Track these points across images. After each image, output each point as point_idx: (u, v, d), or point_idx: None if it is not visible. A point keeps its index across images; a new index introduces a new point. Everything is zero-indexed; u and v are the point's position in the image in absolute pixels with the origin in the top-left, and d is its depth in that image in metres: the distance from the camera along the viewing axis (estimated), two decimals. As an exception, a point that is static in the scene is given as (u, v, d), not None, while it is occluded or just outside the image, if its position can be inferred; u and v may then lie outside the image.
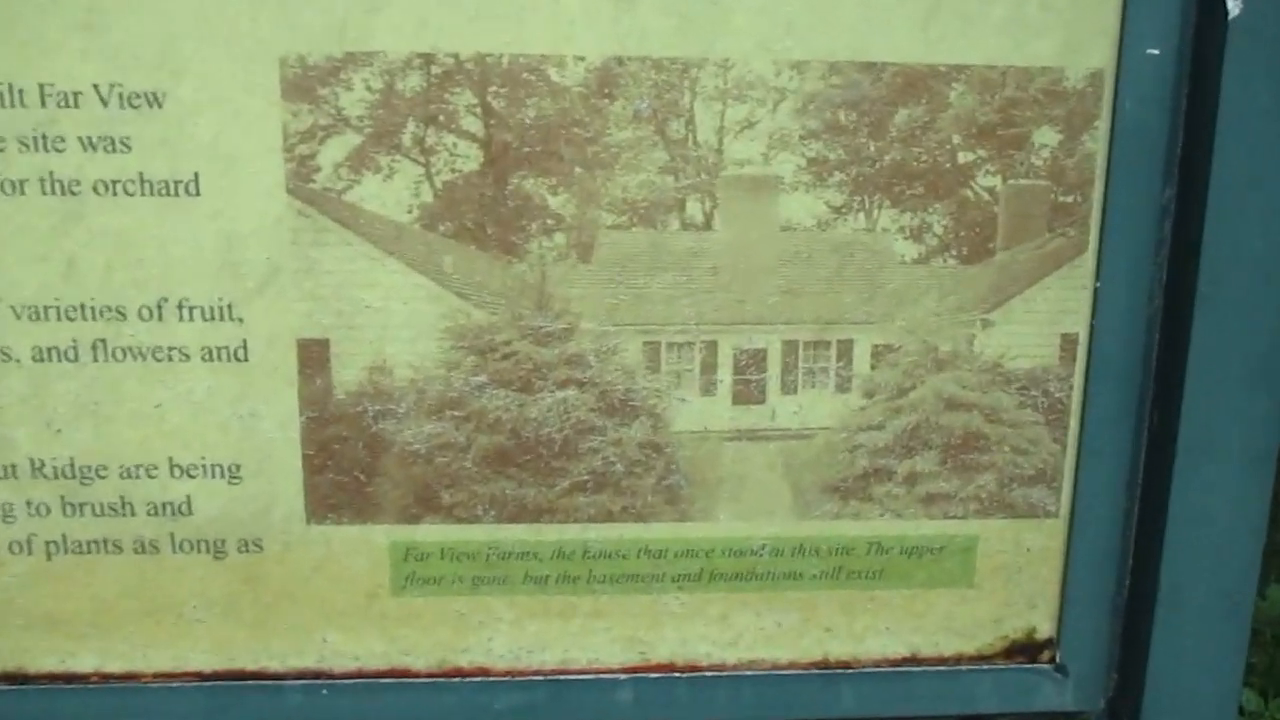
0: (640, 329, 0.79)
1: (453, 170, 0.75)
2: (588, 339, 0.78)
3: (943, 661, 0.84)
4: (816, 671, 0.84)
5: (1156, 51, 0.75)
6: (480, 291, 0.77)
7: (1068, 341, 0.80)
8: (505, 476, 0.80)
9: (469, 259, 0.77)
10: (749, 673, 0.84)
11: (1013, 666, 0.84)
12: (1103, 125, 0.77)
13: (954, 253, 0.79)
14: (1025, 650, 0.85)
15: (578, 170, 0.76)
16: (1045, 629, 0.84)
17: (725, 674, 0.84)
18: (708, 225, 0.77)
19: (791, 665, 0.84)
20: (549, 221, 0.77)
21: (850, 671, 0.84)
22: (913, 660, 0.84)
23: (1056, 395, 0.81)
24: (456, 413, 0.79)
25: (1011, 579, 0.83)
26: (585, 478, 0.81)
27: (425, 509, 0.80)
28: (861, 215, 0.78)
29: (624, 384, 0.79)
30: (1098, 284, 0.78)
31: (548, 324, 0.78)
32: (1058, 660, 0.84)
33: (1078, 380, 0.80)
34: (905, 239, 0.78)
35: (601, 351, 0.79)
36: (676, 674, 0.84)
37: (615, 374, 0.79)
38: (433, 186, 0.76)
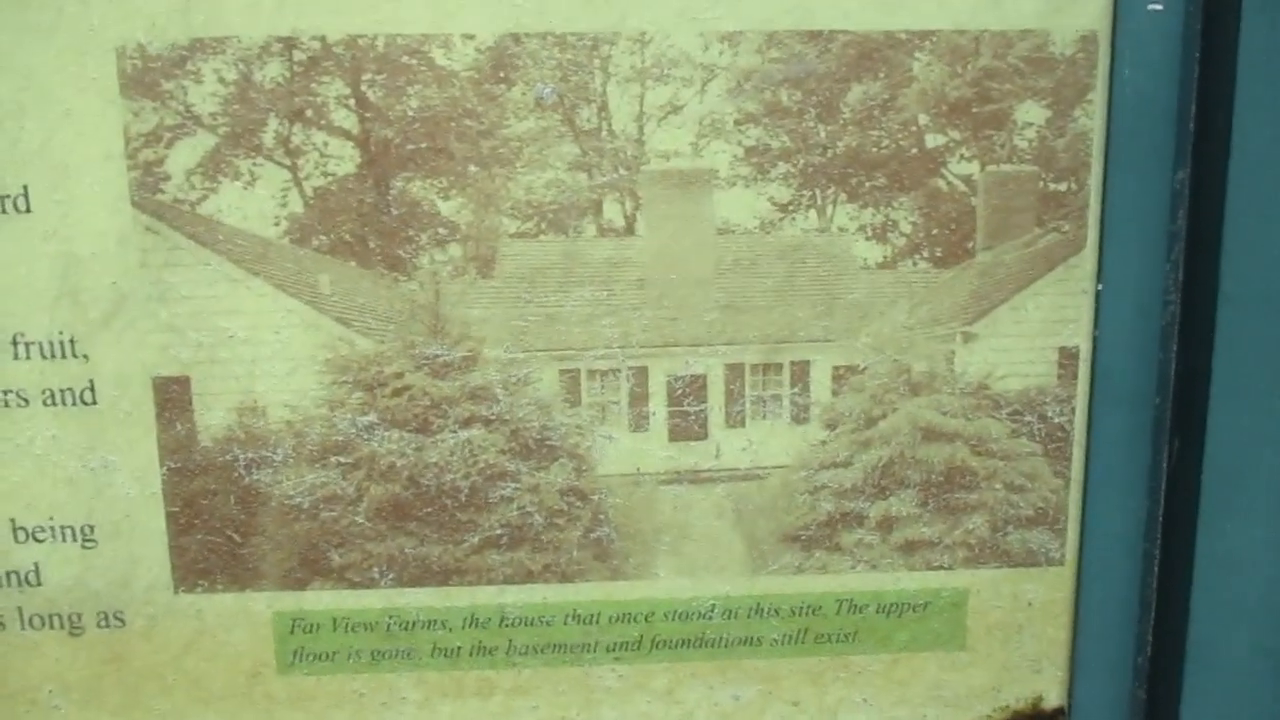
0: (555, 355, 0.67)
1: (325, 174, 0.64)
2: (493, 368, 0.67)
3: (932, 738, 0.72)
4: (783, 753, 0.72)
5: (1159, 6, 0.64)
6: (364, 316, 0.66)
7: (1066, 356, 0.68)
8: (404, 532, 0.68)
9: (349, 278, 0.65)
10: (702, 756, 0.72)
11: (1016, 742, 0.72)
12: (1098, 98, 0.65)
13: (926, 254, 0.67)
14: None
15: (472, 169, 0.64)
16: (1053, 697, 0.73)
17: (674, 758, 0.72)
18: (630, 230, 0.66)
19: (753, 746, 0.72)
20: (441, 231, 0.65)
21: (822, 752, 0.72)
22: (897, 737, 0.72)
23: (1056, 421, 0.69)
24: (343, 459, 0.67)
25: (1011, 639, 0.72)
26: (498, 532, 0.69)
27: (312, 572, 0.69)
28: (813, 213, 0.66)
29: (539, 420, 0.67)
30: (1100, 287, 0.68)
31: (445, 352, 0.66)
32: (1069, 734, 0.72)
33: (1080, 402, 0.69)
34: (867, 239, 0.66)
35: (510, 383, 0.67)
36: (617, 759, 0.72)
37: (528, 409, 0.67)
38: (302, 194, 0.64)
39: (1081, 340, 0.68)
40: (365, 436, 0.67)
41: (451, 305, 0.66)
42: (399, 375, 0.67)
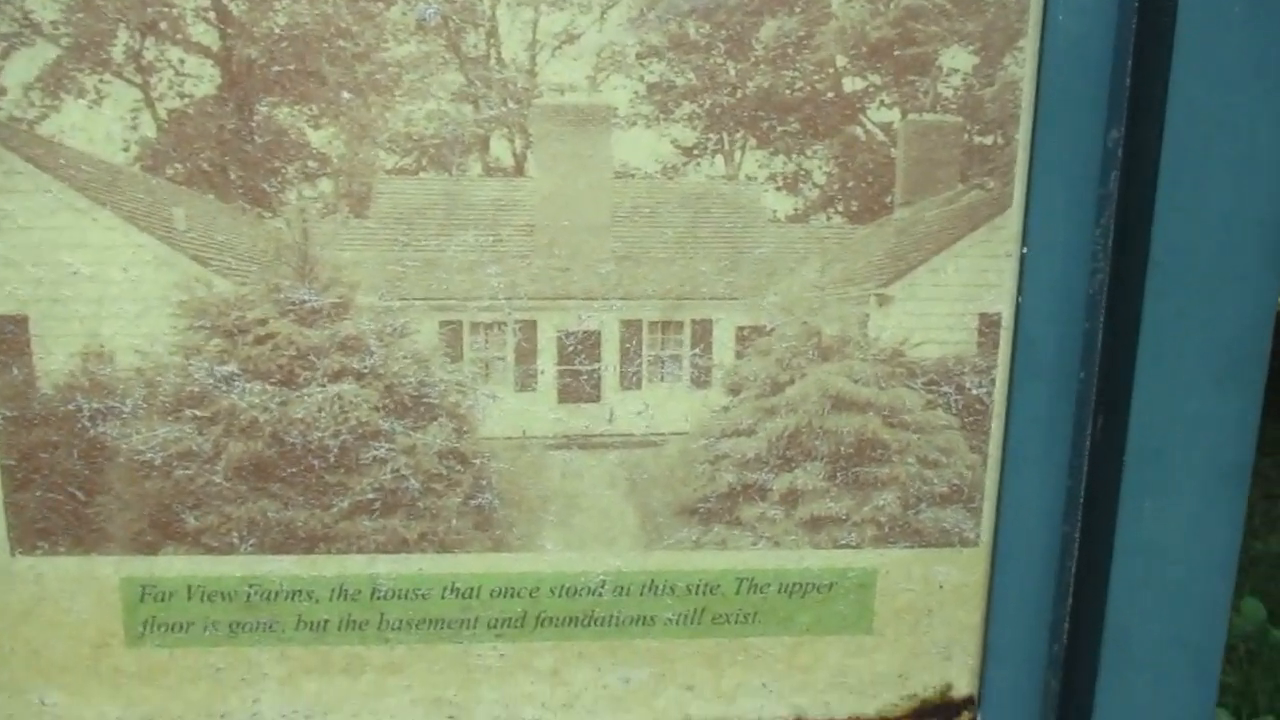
0: (435, 305, 0.61)
1: (181, 95, 0.58)
2: (367, 317, 0.61)
3: (835, 726, 0.68)
4: (675, 740, 0.67)
5: (1096, -54, 0.59)
6: (224, 255, 0.60)
7: (987, 324, 0.64)
8: (266, 494, 0.63)
9: (208, 212, 0.59)
10: (589, 742, 0.67)
11: (922, 732, 0.68)
12: (1029, 44, 0.60)
13: (840, 208, 0.62)
14: (938, 712, 0.70)
15: (345, 96, 0.58)
16: (963, 685, 0.70)
17: (558, 744, 0.67)
18: (519, 169, 0.60)
19: (643, 732, 0.68)
20: (310, 164, 0.59)
21: (717, 740, 0.67)
22: (797, 725, 0.68)
23: (974, 392, 0.64)
24: (199, 412, 0.61)
25: (920, 623, 0.68)
26: (370, 496, 0.63)
27: (165, 536, 0.63)
28: (720, 158, 0.61)
29: (416, 376, 0.62)
30: (1025, 250, 0.64)
31: (314, 298, 0.60)
32: (979, 724, 0.69)
33: (1001, 373, 0.65)
34: (777, 190, 0.61)
35: (385, 333, 0.61)
36: (497, 744, 0.67)
37: (404, 363, 0.62)
38: (155, 117, 0.58)
39: (1004, 307, 0.64)
40: (224, 388, 0.61)
41: (321, 246, 0.60)
42: (262, 321, 0.61)
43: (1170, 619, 0.67)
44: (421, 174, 0.60)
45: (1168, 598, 0.67)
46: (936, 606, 0.68)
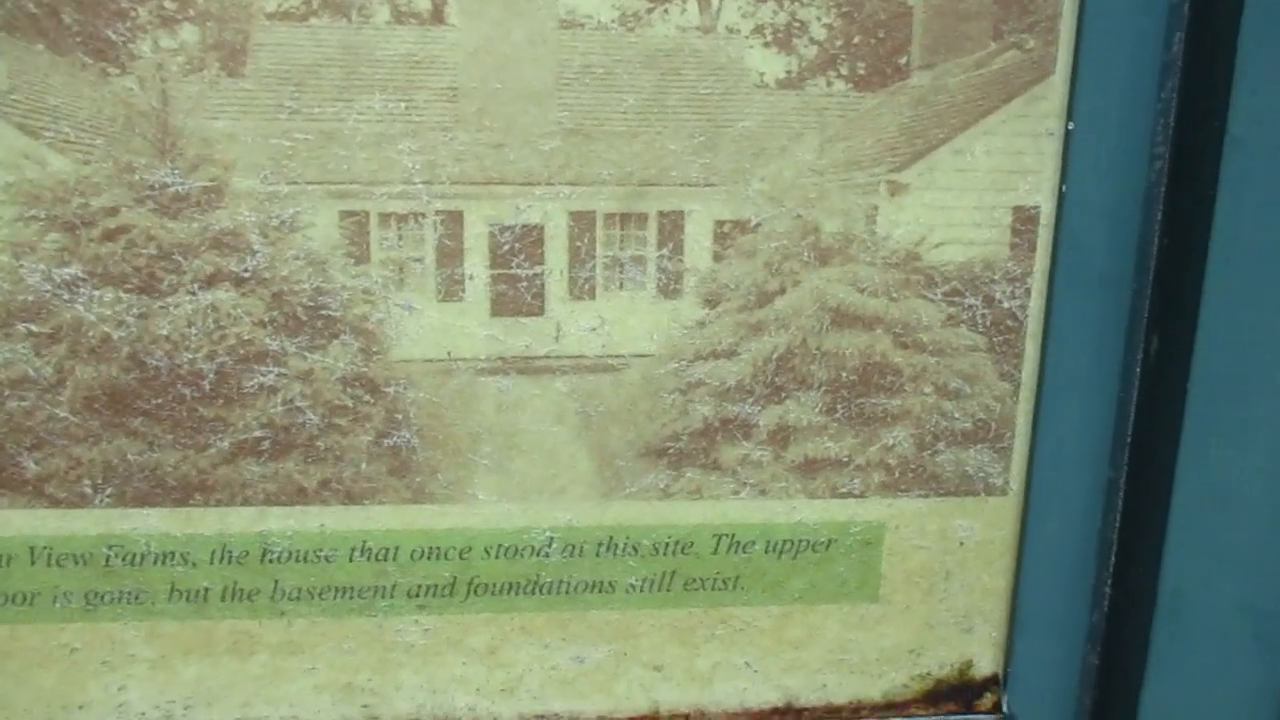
0: (333, 190, 0.49)
1: (-4, -89, 0.45)
2: (246, 206, 0.49)
3: (834, 714, 0.59)
4: (640, 731, 0.57)
5: None
6: (60, 123, 0.47)
7: (1023, 219, 0.53)
8: (125, 432, 0.50)
9: (37, 67, 0.46)
10: (534, 735, 0.56)
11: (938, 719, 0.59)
12: None
13: (844, 71, 0.50)
14: (956, 695, 0.60)
15: (211, -85, 0.45)
16: (986, 663, 0.61)
17: (497, 737, 0.56)
18: (438, 16, 0.48)
19: (601, 722, 0.57)
20: (168, 5, 0.46)
21: (691, 731, 0.57)
22: (788, 712, 0.60)
23: (1005, 305, 0.54)
24: (35, 327, 0.49)
25: (936, 588, 0.59)
26: (257, 434, 0.51)
27: (-2, 485, 0.50)
28: (692, 5, 0.48)
29: (311, 281, 0.50)
30: (1070, 126, 0.53)
31: (178, 180, 0.48)
32: (1004, 709, 0.61)
33: (1038, 282, 0.55)
34: (765, 46, 0.50)
35: (270, 227, 0.49)
36: (421, 738, 0.56)
37: (296, 265, 0.49)
38: (-37, -61, 0.45)
39: (1043, 198, 0.53)
40: (66, 296, 0.49)
41: (185, 114, 0.47)
42: (112, 211, 0.48)
43: (1235, 582, 0.60)
44: (313, 20, 0.47)
45: (1233, 557, 0.59)
46: (956, 568, 0.58)
